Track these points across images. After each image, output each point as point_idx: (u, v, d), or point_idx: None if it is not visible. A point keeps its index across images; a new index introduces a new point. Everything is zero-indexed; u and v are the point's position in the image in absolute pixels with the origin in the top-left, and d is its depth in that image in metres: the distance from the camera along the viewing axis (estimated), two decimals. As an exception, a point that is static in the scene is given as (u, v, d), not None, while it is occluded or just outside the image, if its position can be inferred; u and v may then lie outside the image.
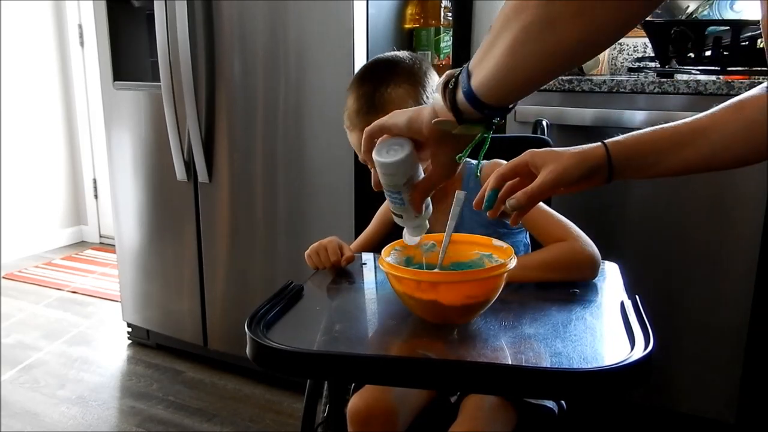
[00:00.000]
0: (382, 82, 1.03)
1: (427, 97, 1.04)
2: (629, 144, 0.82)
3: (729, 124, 0.78)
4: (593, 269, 0.96)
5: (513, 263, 0.78)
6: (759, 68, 1.59)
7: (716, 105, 0.80)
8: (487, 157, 1.14)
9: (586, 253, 0.95)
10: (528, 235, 1.14)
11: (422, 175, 0.79)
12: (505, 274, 0.78)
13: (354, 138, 1.06)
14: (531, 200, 0.80)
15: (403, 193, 0.78)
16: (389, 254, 0.87)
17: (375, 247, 1.22)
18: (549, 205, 1.11)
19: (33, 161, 3.55)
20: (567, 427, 1.05)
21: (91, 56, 3.55)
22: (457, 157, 0.76)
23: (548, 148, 0.83)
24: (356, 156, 1.74)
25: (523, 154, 0.84)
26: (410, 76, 1.04)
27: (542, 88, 1.77)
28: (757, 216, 1.51)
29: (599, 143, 0.82)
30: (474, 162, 1.11)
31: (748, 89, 1.54)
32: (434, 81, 1.07)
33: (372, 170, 0.80)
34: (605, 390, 0.69)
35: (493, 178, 0.84)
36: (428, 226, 0.85)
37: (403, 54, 1.09)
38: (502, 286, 0.79)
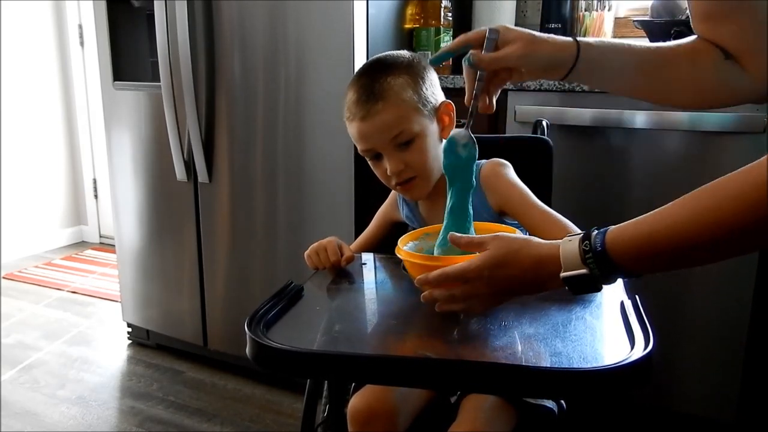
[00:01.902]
0: (382, 73, 1.03)
1: (426, 89, 1.05)
2: (599, 52, 0.87)
3: (683, 70, 0.85)
4: None
5: None
6: (759, 68, 1.59)
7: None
8: (486, 156, 1.15)
9: None
10: (527, 233, 1.14)
11: None
12: None
13: (353, 129, 1.05)
14: (491, 63, 0.86)
15: None
16: (407, 243, 0.92)
17: (375, 247, 1.22)
18: (549, 203, 1.12)
19: (33, 161, 3.55)
20: (567, 427, 1.05)
21: (91, 56, 3.55)
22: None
23: (523, 29, 0.87)
24: (356, 156, 1.73)
25: (496, 26, 0.88)
26: (409, 68, 1.05)
27: (542, 88, 1.78)
28: (757, 216, 1.51)
29: (572, 41, 0.86)
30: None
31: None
32: (433, 77, 1.08)
33: None
34: (605, 390, 0.69)
35: (455, 41, 0.89)
36: None
37: (401, 51, 1.10)
38: None
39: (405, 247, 0.91)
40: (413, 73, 1.05)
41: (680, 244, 0.66)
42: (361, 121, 1.02)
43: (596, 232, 0.72)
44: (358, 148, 1.08)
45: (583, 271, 0.71)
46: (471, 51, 0.86)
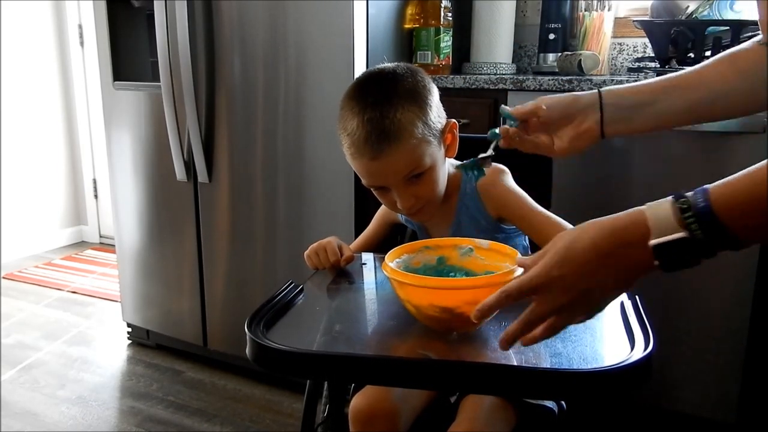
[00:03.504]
0: (390, 107, 0.95)
1: (433, 116, 1.00)
2: (623, 88, 0.88)
3: (724, 75, 0.83)
4: None
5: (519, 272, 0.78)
6: (759, 68, 1.59)
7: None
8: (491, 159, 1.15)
9: None
10: (527, 238, 1.14)
11: None
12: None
13: (361, 166, 0.99)
14: (522, 113, 0.90)
15: None
16: (401, 255, 0.88)
17: (375, 247, 1.22)
18: (549, 204, 1.12)
19: (33, 161, 3.55)
20: (567, 427, 1.05)
21: (91, 56, 3.55)
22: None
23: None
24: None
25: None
26: (415, 95, 0.99)
27: (542, 88, 1.78)
28: (757, 216, 1.51)
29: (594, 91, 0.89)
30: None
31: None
32: (435, 97, 1.03)
33: None
34: (605, 390, 0.69)
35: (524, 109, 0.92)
36: None
37: (400, 69, 1.02)
38: None
39: (399, 260, 0.86)
40: (420, 101, 0.99)
41: None
42: (371, 160, 0.97)
43: (692, 191, 0.58)
44: (364, 182, 1.02)
45: (681, 234, 0.56)
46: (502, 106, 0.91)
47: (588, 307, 0.64)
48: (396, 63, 1.04)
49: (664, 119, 0.86)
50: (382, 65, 1.04)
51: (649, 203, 0.60)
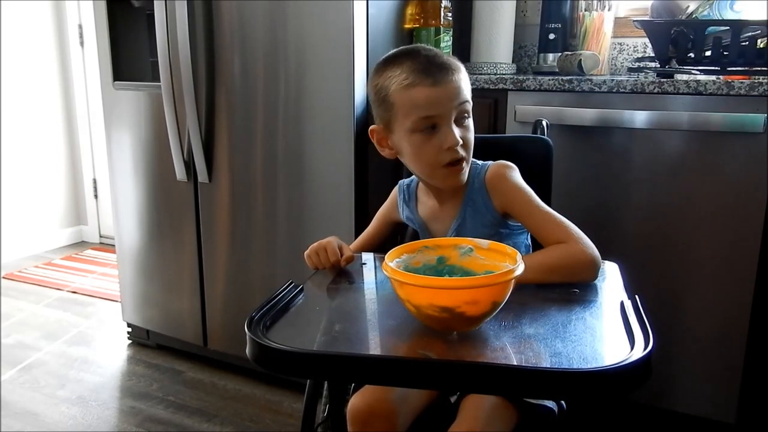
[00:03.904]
0: (441, 53, 1.06)
1: None
2: None
3: None
4: (594, 271, 0.96)
5: (520, 269, 0.78)
6: (759, 68, 1.59)
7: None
8: (487, 157, 1.15)
9: (587, 255, 0.95)
10: (529, 236, 1.14)
11: None
12: (512, 281, 0.77)
13: (419, 94, 1.01)
14: None
15: None
16: (401, 255, 0.87)
17: (375, 247, 1.22)
18: (548, 203, 1.12)
19: (33, 161, 3.55)
20: (567, 427, 1.05)
21: (91, 56, 3.55)
22: None
23: None
24: (356, 156, 1.74)
25: None
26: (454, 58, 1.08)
27: (542, 88, 1.78)
28: (758, 215, 1.51)
29: None
30: (480, 163, 1.12)
31: (748, 90, 1.54)
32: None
33: None
34: (605, 390, 0.69)
35: None
36: None
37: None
38: (507, 295, 0.78)
39: (399, 260, 0.86)
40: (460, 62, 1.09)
41: None
42: (432, 86, 1.01)
43: None
44: (417, 115, 1.02)
45: None
46: None
47: None
48: None
49: None
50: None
51: None
